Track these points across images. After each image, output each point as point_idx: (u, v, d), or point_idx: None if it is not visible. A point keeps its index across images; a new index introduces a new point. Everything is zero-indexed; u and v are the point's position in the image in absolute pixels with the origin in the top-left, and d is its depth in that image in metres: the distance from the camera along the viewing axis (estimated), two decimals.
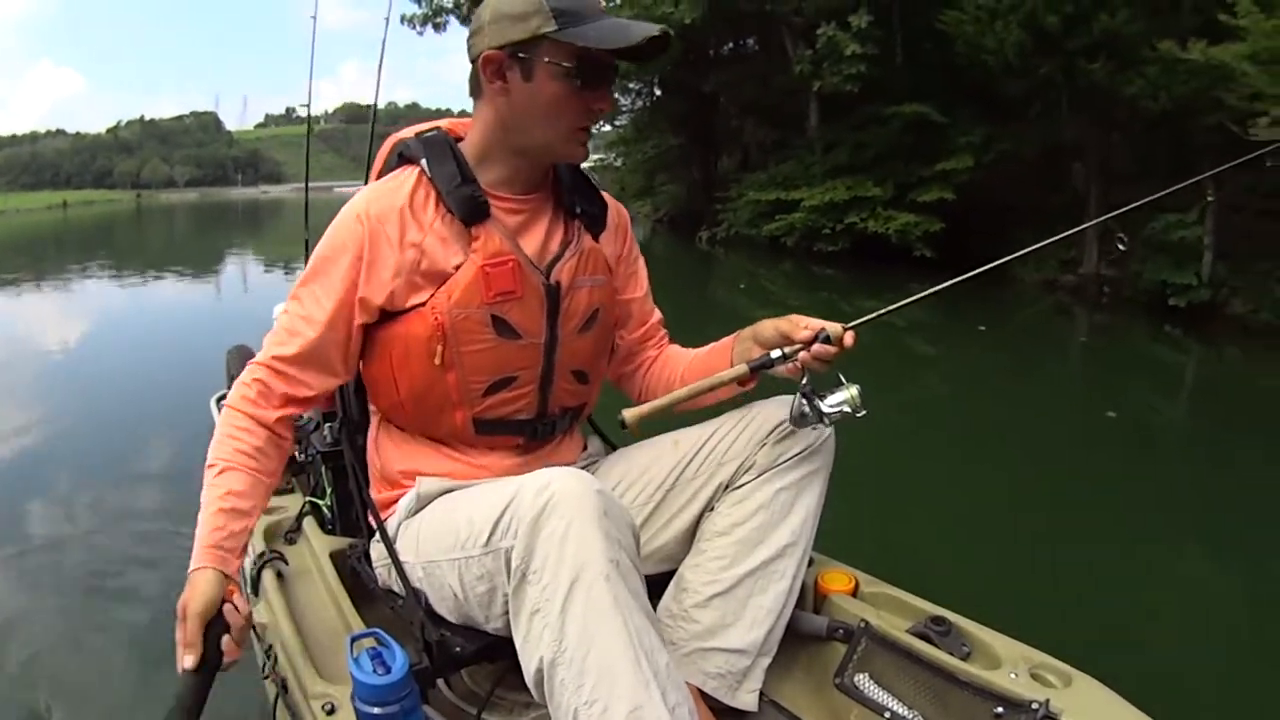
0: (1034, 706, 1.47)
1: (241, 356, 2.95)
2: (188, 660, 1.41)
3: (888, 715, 1.66)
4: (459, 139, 1.75)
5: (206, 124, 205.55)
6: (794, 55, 18.28)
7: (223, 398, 2.89)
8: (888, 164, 16.76)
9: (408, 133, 1.83)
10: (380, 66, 2.94)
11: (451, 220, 1.65)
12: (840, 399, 1.64)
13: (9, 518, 4.47)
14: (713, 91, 23.68)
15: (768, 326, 1.72)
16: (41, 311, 13.51)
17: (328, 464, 2.40)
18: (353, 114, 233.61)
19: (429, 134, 1.77)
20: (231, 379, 2.87)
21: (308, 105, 3.37)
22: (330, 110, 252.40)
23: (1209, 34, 9.62)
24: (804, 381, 1.67)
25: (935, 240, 15.55)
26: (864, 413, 1.63)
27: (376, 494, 1.86)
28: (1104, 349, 10.19)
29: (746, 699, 1.73)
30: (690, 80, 23.38)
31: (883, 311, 1.73)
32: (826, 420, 1.65)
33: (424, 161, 1.69)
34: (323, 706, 1.56)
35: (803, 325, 1.66)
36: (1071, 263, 14.08)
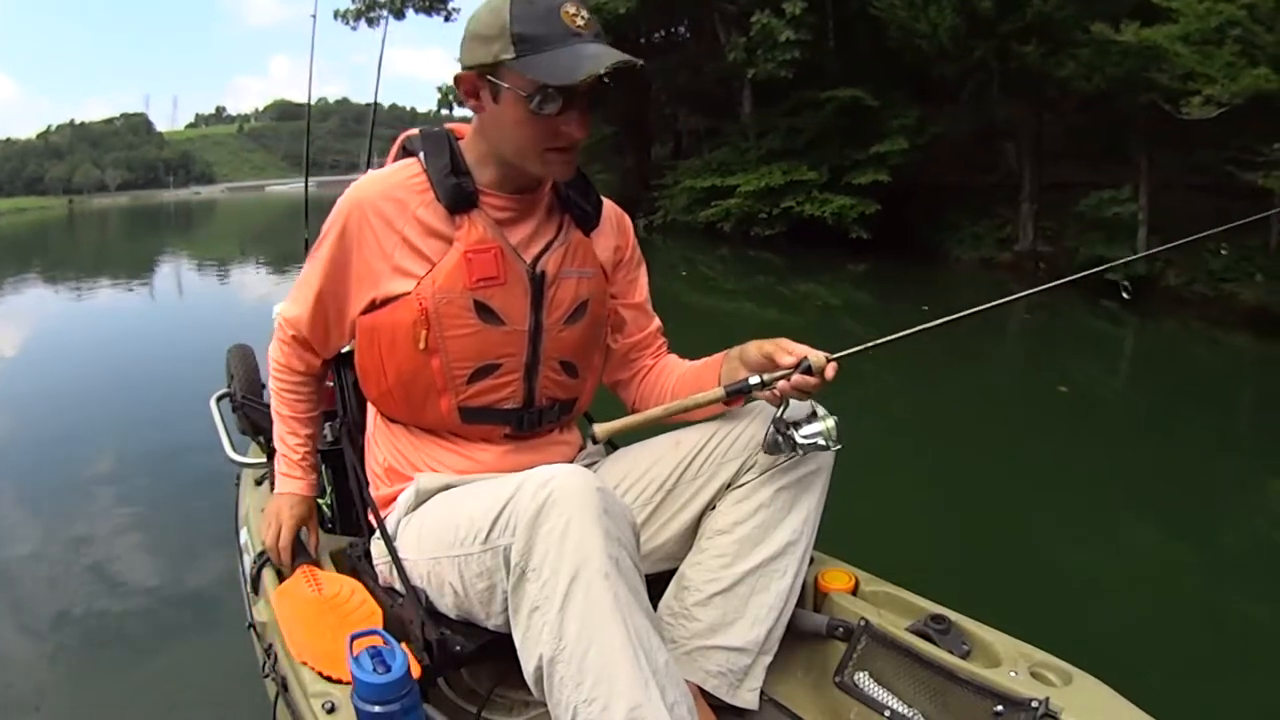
0: (1033, 705, 1.48)
1: (241, 355, 2.95)
2: (284, 557, 1.96)
3: (887, 714, 1.67)
4: (460, 137, 1.77)
5: (137, 126, 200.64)
6: (727, 42, 18.34)
7: (223, 397, 2.88)
8: (822, 148, 16.99)
9: (417, 130, 1.86)
10: (380, 64, 2.91)
11: (439, 208, 1.67)
12: (815, 430, 1.63)
13: (22, 517, 4.56)
14: (645, 80, 23.69)
15: (754, 348, 1.72)
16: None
17: (327, 463, 2.40)
18: (284, 111, 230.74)
19: (433, 130, 1.79)
20: (231, 378, 2.88)
21: (307, 104, 3.34)
22: (260, 108, 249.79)
23: (1142, 16, 9.81)
24: (779, 412, 1.66)
25: (871, 222, 15.79)
26: (839, 446, 1.63)
27: (375, 491, 1.86)
28: (1046, 325, 10.35)
29: (747, 697, 1.75)
30: (622, 69, 23.28)
31: (869, 345, 1.69)
32: (800, 451, 1.65)
33: (421, 154, 1.72)
34: (323, 705, 1.54)
35: (787, 351, 1.65)
36: (1008, 240, 14.31)
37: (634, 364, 2.02)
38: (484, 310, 1.68)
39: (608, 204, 1.91)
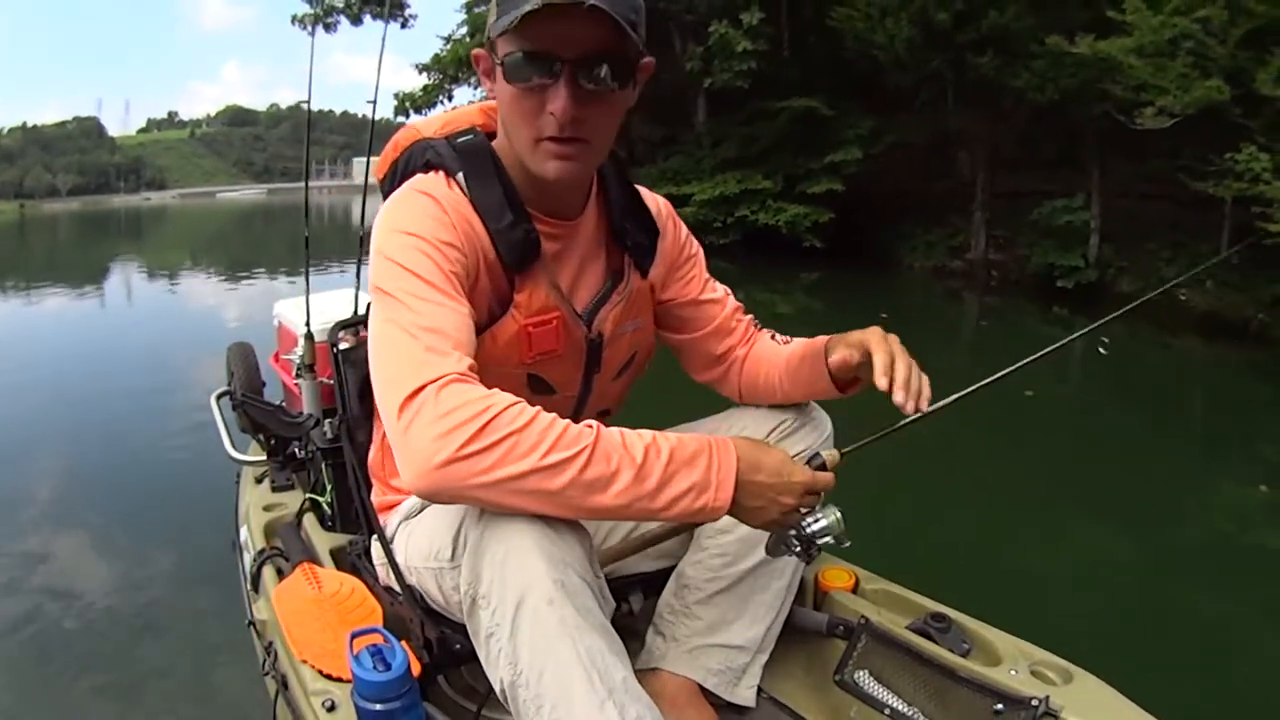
0: (1034, 703, 1.48)
1: (242, 353, 2.89)
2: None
3: (887, 712, 1.68)
4: (492, 134, 1.55)
5: (89, 130, 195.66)
6: (682, 52, 18.32)
7: (223, 395, 2.83)
8: (777, 157, 17.09)
9: (430, 126, 1.63)
10: (380, 64, 2.87)
11: (495, 258, 1.45)
12: (824, 525, 1.37)
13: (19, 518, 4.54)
14: None
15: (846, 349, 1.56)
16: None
17: (328, 460, 2.35)
18: (235, 117, 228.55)
19: (465, 140, 1.53)
20: (232, 375, 2.82)
21: (308, 104, 3.27)
22: (211, 113, 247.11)
23: (1096, 29, 9.98)
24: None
25: (825, 230, 15.92)
26: (849, 544, 1.39)
27: (381, 495, 1.78)
28: (1000, 331, 10.44)
29: (745, 694, 1.76)
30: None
31: (874, 437, 1.50)
32: (812, 550, 1.41)
33: (461, 176, 1.46)
34: (323, 703, 1.54)
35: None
36: (960, 248, 14.45)
37: (724, 360, 1.81)
38: (537, 382, 1.55)
39: (657, 206, 1.75)
